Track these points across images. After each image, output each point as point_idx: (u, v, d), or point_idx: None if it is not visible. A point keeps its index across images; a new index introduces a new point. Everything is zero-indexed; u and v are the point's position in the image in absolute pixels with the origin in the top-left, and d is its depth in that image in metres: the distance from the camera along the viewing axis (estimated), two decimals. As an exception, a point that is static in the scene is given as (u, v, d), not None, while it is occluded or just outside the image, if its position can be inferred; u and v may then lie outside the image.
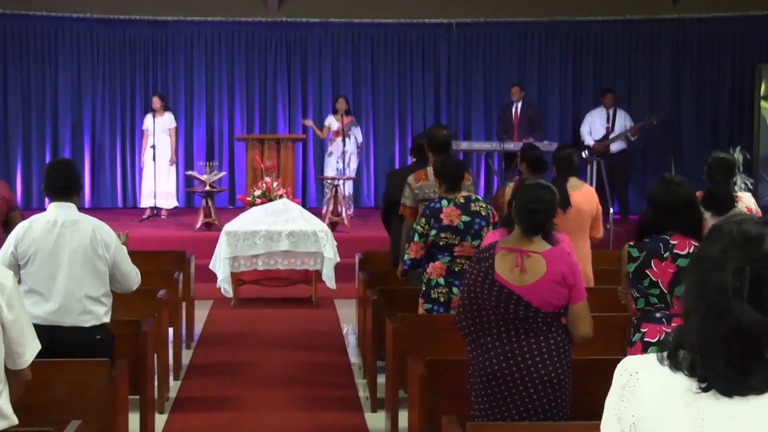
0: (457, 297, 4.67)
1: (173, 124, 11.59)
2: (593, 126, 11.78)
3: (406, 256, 5.20)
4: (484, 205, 5.12)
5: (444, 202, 5.08)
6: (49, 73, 12.74)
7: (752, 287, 1.55)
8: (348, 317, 8.07)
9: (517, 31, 13.05)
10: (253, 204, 9.63)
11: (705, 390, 1.57)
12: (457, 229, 5.03)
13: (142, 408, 4.72)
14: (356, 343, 7.18)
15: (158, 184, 11.28)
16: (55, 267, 4.19)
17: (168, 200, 11.55)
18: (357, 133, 11.76)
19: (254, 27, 13.01)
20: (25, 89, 12.71)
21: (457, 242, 5.04)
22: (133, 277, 4.40)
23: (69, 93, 12.75)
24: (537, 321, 3.47)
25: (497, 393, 3.49)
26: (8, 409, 2.92)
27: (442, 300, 5.06)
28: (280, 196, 9.65)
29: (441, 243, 5.05)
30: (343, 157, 11.28)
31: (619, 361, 4.02)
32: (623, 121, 11.70)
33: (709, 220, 5.48)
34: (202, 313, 8.07)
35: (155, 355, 5.23)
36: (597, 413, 4.02)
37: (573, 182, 5.79)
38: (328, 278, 8.19)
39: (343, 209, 10.64)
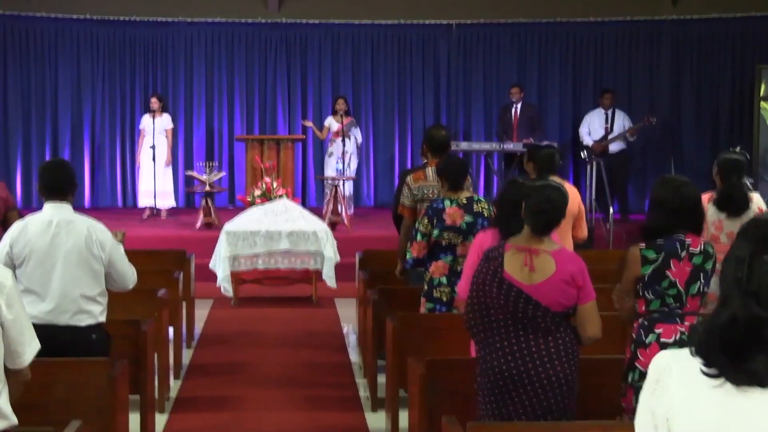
0: (458, 296, 4.68)
1: (170, 126, 11.60)
2: (592, 127, 11.78)
3: (408, 255, 5.20)
4: (486, 206, 5.13)
5: (447, 202, 5.08)
6: (49, 74, 12.74)
7: (751, 281, 1.58)
8: (348, 317, 8.07)
9: (517, 32, 13.05)
10: (252, 204, 9.63)
11: (718, 378, 1.61)
12: (459, 229, 5.04)
13: (142, 408, 4.72)
14: (356, 342, 7.17)
15: (156, 184, 11.28)
16: (50, 267, 4.19)
17: (165, 200, 11.55)
18: (357, 134, 11.76)
19: (254, 28, 13.01)
20: (25, 89, 12.71)
21: (459, 242, 5.05)
22: (129, 276, 4.39)
23: (69, 93, 12.76)
24: (546, 320, 3.47)
25: (505, 392, 3.49)
26: (8, 409, 2.91)
27: (444, 299, 5.07)
28: (280, 196, 9.65)
29: (444, 243, 5.06)
30: (343, 157, 11.28)
31: (619, 361, 4.03)
32: (622, 121, 11.70)
33: (724, 220, 5.48)
34: (202, 312, 8.07)
35: (155, 354, 5.23)
36: (598, 412, 4.03)
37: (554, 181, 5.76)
38: (329, 277, 8.19)
39: (343, 209, 10.65)
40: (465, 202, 5.09)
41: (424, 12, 12.92)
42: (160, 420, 5.32)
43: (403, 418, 4.67)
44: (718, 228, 5.51)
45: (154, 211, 11.45)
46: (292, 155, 11.32)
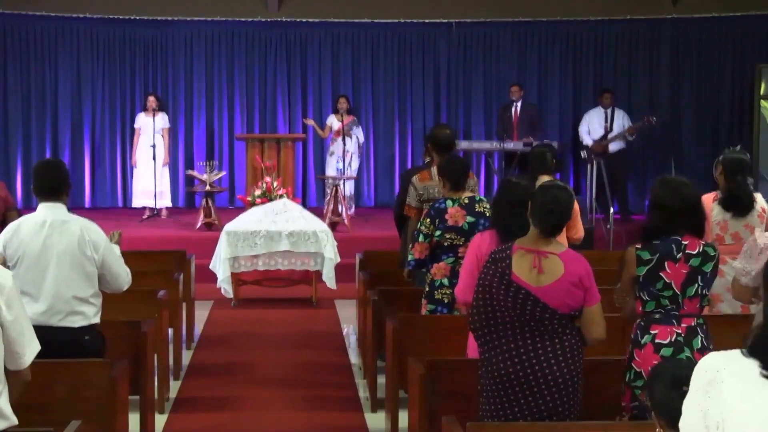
0: (457, 299, 4.67)
1: (167, 125, 11.61)
2: (591, 126, 11.79)
3: (410, 257, 5.19)
4: (488, 206, 5.10)
5: (449, 202, 5.07)
6: (49, 73, 12.74)
7: None
8: (348, 317, 8.07)
9: (517, 31, 13.05)
10: (253, 204, 9.63)
11: None
12: (461, 229, 5.03)
13: (142, 408, 4.72)
14: (356, 343, 7.17)
15: (156, 184, 11.28)
16: (43, 268, 4.17)
17: (163, 199, 11.55)
18: (358, 133, 11.76)
19: (254, 27, 13.01)
20: (25, 89, 12.70)
21: (461, 243, 5.02)
22: (123, 277, 4.36)
23: (69, 93, 12.75)
24: (553, 323, 3.47)
25: (510, 394, 3.48)
26: (8, 410, 2.91)
27: (446, 301, 5.06)
28: (281, 196, 9.65)
29: (446, 244, 5.05)
30: (344, 156, 11.27)
31: (620, 361, 4.02)
32: (621, 121, 11.70)
33: (729, 220, 5.46)
34: (202, 313, 8.07)
35: (155, 355, 5.23)
36: (598, 413, 4.03)
37: (544, 180, 5.75)
38: (329, 278, 8.19)
39: (344, 209, 10.64)
40: (467, 202, 5.08)
41: (424, 11, 12.92)
42: (160, 420, 5.32)
43: (403, 418, 4.67)
44: (723, 228, 5.49)
45: (154, 211, 11.45)
46: (292, 155, 11.32)
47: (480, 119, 13.09)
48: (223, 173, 11.92)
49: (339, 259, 8.29)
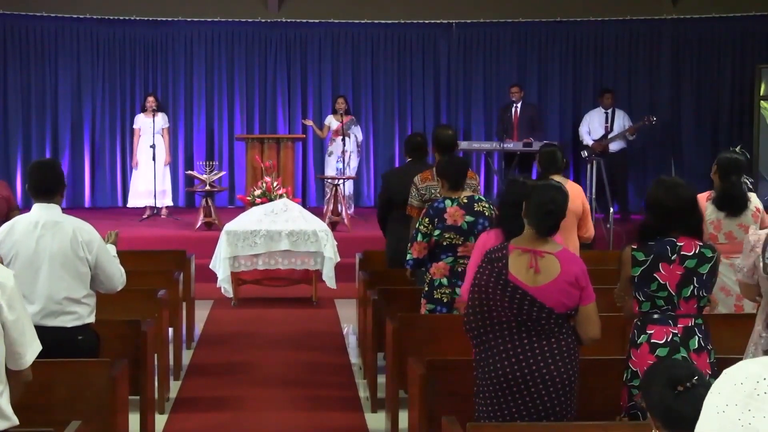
0: (460, 297, 4.67)
1: (167, 125, 11.62)
2: (592, 126, 11.79)
3: (408, 256, 5.18)
4: (487, 206, 5.11)
5: (448, 202, 5.07)
6: (49, 73, 12.74)
7: None
8: (348, 317, 8.07)
9: (517, 31, 13.06)
10: (253, 204, 9.63)
11: None
12: (460, 229, 5.03)
13: (142, 408, 4.72)
14: (356, 343, 7.17)
15: (156, 184, 11.28)
16: (36, 269, 4.16)
17: (164, 199, 11.56)
18: (357, 132, 11.76)
19: (254, 27, 13.01)
20: (25, 89, 12.71)
21: (460, 242, 5.03)
22: (117, 277, 4.34)
23: (69, 93, 12.76)
24: (549, 322, 3.47)
25: (507, 395, 3.48)
26: (9, 410, 2.91)
27: (445, 300, 5.06)
28: (280, 196, 9.65)
29: (445, 243, 5.04)
30: (343, 156, 11.28)
31: (619, 361, 4.01)
32: (622, 121, 11.71)
33: (723, 220, 5.47)
34: (202, 313, 8.07)
35: (155, 355, 5.23)
36: (597, 413, 4.03)
37: (556, 180, 5.77)
38: (329, 278, 8.19)
39: (344, 209, 10.65)
40: (466, 201, 5.08)
41: (424, 12, 12.92)
42: (160, 420, 5.32)
43: (403, 418, 4.67)
44: (717, 227, 5.50)
45: (155, 211, 11.45)
46: (292, 155, 11.32)
47: (480, 119, 13.09)
48: (223, 173, 11.92)
49: (339, 259, 8.30)
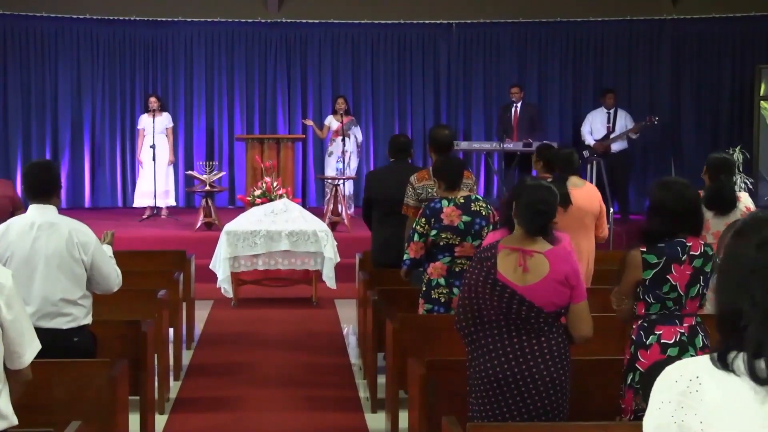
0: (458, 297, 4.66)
1: (170, 124, 11.61)
2: (594, 126, 11.80)
3: (405, 256, 5.18)
4: (484, 205, 5.10)
5: (444, 202, 5.07)
6: (49, 73, 12.75)
7: None
8: (348, 317, 8.07)
9: (517, 32, 13.06)
10: (253, 204, 9.64)
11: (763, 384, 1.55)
12: (457, 229, 5.02)
13: (142, 408, 4.72)
14: (356, 343, 7.17)
15: (157, 184, 11.28)
16: (31, 270, 4.15)
17: (167, 199, 11.56)
18: (357, 133, 11.76)
19: (254, 27, 13.02)
20: (25, 89, 12.71)
21: (457, 242, 5.02)
22: (113, 278, 4.33)
23: (69, 93, 12.76)
24: (539, 321, 3.47)
25: (498, 394, 3.48)
26: (8, 410, 2.91)
27: (442, 300, 5.05)
28: (280, 196, 9.65)
29: (441, 243, 5.04)
30: (343, 156, 11.28)
31: (618, 362, 4.01)
32: (624, 121, 11.71)
33: (711, 219, 5.47)
34: (202, 313, 8.07)
35: (155, 355, 5.22)
36: (596, 413, 4.03)
37: (574, 181, 5.86)
38: (329, 278, 8.19)
39: (344, 209, 10.65)
40: (462, 201, 5.07)
41: (424, 12, 12.92)
42: (160, 421, 5.32)
43: (403, 418, 4.67)
44: (706, 227, 5.51)
45: (155, 211, 11.45)
46: (292, 155, 11.33)
47: (480, 119, 13.09)
48: (223, 173, 11.92)
49: (339, 259, 8.30)
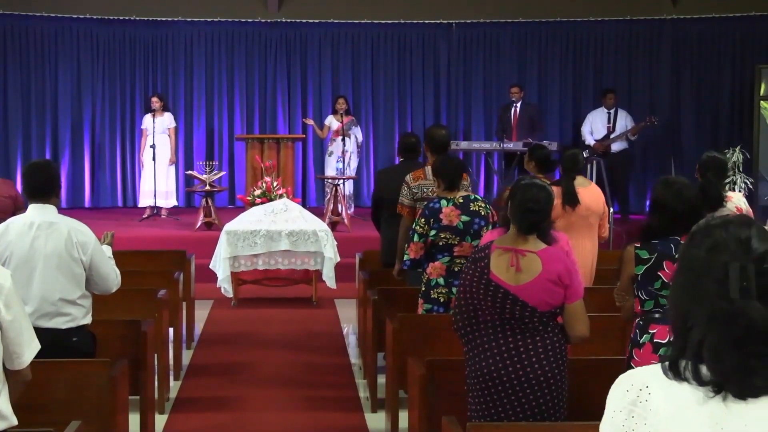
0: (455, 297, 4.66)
1: (173, 125, 11.61)
2: (594, 126, 11.80)
3: (405, 257, 5.18)
4: (483, 205, 5.11)
5: (443, 202, 5.07)
6: (49, 73, 12.75)
7: (757, 286, 1.53)
8: (348, 317, 8.07)
9: (517, 32, 13.06)
10: (253, 204, 9.64)
11: (717, 393, 1.55)
12: (456, 229, 5.03)
13: (142, 408, 4.72)
14: (356, 343, 7.17)
15: (158, 184, 11.28)
16: (30, 270, 4.14)
17: (168, 199, 11.56)
18: (357, 133, 11.76)
19: (254, 27, 13.02)
20: (25, 89, 12.71)
21: (456, 242, 5.03)
22: (112, 279, 4.32)
23: (69, 93, 12.76)
24: (533, 321, 3.47)
25: (494, 393, 3.49)
26: (8, 410, 2.91)
27: (441, 300, 5.06)
28: (280, 196, 9.65)
29: (440, 243, 5.04)
30: (343, 156, 11.28)
31: (618, 361, 4.02)
32: (624, 121, 11.71)
33: None
34: (202, 313, 8.07)
35: (155, 355, 5.23)
36: (596, 413, 4.02)
37: (580, 181, 5.95)
38: (329, 278, 8.19)
39: (344, 209, 10.65)
40: (461, 201, 5.07)
41: (424, 12, 12.92)
42: (160, 421, 5.32)
43: (403, 418, 4.67)
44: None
45: (155, 210, 11.45)
46: (292, 155, 11.33)
47: (480, 119, 13.09)
48: (223, 173, 11.92)
49: (339, 259, 8.29)
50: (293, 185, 11.30)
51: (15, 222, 4.24)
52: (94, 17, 12.71)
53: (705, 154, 5.84)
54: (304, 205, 10.67)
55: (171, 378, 6.08)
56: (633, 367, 3.68)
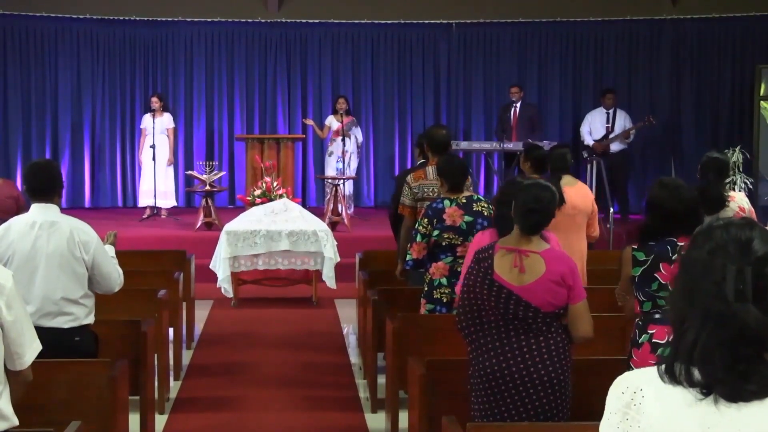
0: (458, 297, 4.66)
1: (172, 125, 11.61)
2: (593, 126, 11.80)
3: (408, 257, 5.19)
4: (485, 205, 5.11)
5: (446, 202, 5.07)
6: (49, 74, 12.75)
7: (754, 289, 1.54)
8: (348, 317, 8.07)
9: (517, 31, 13.06)
10: (253, 204, 9.64)
11: (706, 396, 1.55)
12: (459, 229, 5.03)
13: (142, 408, 4.72)
14: (356, 343, 7.17)
15: (157, 184, 11.28)
16: (32, 269, 4.14)
17: (167, 200, 11.56)
18: (357, 133, 11.76)
19: (254, 27, 13.02)
20: (25, 89, 12.72)
21: (459, 242, 5.03)
22: (114, 278, 4.31)
23: (69, 93, 12.76)
24: (537, 321, 3.47)
25: (497, 393, 3.49)
26: (9, 410, 2.91)
27: (444, 300, 5.06)
28: (280, 196, 9.65)
29: (444, 243, 5.05)
30: (343, 157, 11.28)
31: (618, 361, 4.02)
32: (623, 121, 11.71)
33: None
34: (202, 313, 8.07)
35: (155, 355, 5.22)
36: (597, 414, 4.02)
37: (567, 180, 5.91)
38: (329, 278, 8.19)
39: (344, 209, 10.65)
40: (464, 201, 5.08)
41: (424, 12, 12.92)
42: (160, 421, 5.32)
43: (403, 418, 4.67)
44: None
45: (155, 211, 11.45)
46: (292, 155, 11.33)
47: (480, 119, 13.09)
48: (223, 173, 11.92)
49: (339, 259, 8.29)
50: (293, 185, 11.30)
51: (17, 222, 4.24)
52: (94, 17, 12.71)
53: (706, 154, 5.82)
54: (304, 205, 10.67)
55: (171, 378, 6.09)
56: (632, 367, 3.70)
